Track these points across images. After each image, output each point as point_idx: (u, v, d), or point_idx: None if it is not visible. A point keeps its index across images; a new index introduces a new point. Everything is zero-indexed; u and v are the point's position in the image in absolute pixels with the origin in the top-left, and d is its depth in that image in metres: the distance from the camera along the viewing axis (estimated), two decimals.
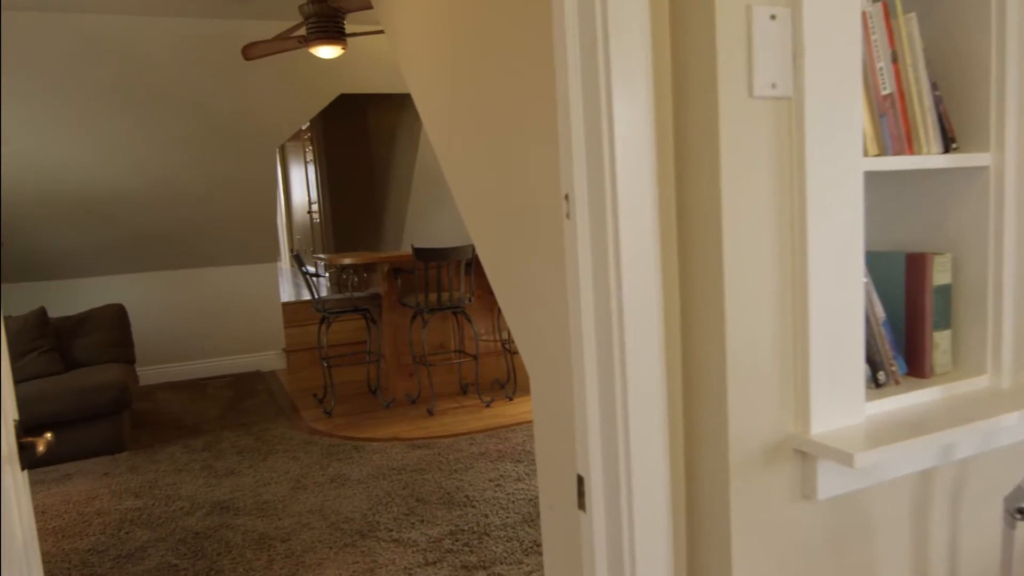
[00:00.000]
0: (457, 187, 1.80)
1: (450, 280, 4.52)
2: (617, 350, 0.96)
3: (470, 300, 4.66)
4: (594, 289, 0.97)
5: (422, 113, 2.00)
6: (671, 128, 0.96)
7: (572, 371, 1.08)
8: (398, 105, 6.23)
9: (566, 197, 0.97)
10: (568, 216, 0.97)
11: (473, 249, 4.51)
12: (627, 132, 0.89)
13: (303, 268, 4.69)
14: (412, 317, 4.72)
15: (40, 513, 3.32)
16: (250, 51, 3.73)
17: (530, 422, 4.26)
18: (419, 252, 4.39)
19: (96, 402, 4.01)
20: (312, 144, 8.41)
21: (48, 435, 1.71)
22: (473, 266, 4.63)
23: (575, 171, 0.94)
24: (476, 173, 1.69)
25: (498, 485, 3.34)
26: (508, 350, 5.01)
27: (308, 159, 8.72)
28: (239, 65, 4.67)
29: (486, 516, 3.01)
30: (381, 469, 3.61)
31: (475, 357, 4.79)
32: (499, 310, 5.00)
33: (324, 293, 6.67)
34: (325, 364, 4.73)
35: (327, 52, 3.60)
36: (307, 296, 6.95)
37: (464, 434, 4.12)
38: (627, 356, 0.95)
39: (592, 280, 0.97)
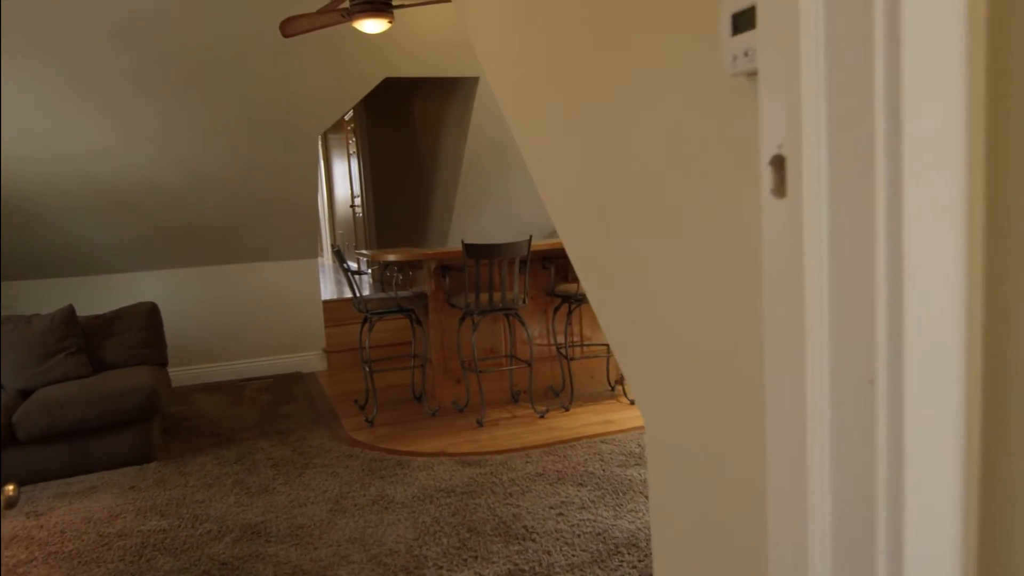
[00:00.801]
0: (545, 161, 1.40)
1: (503, 279, 4.14)
2: (884, 405, 0.55)
3: (524, 301, 4.27)
4: (832, 301, 0.57)
5: (497, 80, 1.61)
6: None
7: (764, 429, 0.68)
8: (446, 91, 5.87)
9: (775, 162, 0.58)
10: (780, 192, 0.58)
11: (528, 245, 4.12)
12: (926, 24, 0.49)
13: (344, 265, 4.35)
14: (460, 319, 4.35)
15: (59, 533, 3.03)
16: (288, 27, 3.39)
17: (591, 437, 3.86)
18: (470, 248, 4.02)
19: (124, 408, 3.72)
20: (355, 135, 8.10)
21: (10, 488, 1.38)
22: (528, 264, 4.23)
23: (805, 114, 0.54)
24: (579, 140, 1.30)
25: (560, 514, 2.94)
26: (564, 355, 4.61)
27: (351, 151, 8.43)
28: (278, 46, 4.35)
29: (549, 553, 2.62)
30: (428, 490, 3.25)
31: (529, 364, 4.40)
32: (555, 311, 4.60)
33: (366, 292, 6.35)
34: (367, 369, 4.39)
35: (372, 26, 3.24)
36: (349, 294, 6.64)
37: (518, 450, 3.73)
38: (905, 425, 0.55)
39: (829, 288, 0.57)
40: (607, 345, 4.81)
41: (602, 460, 3.50)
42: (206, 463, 3.77)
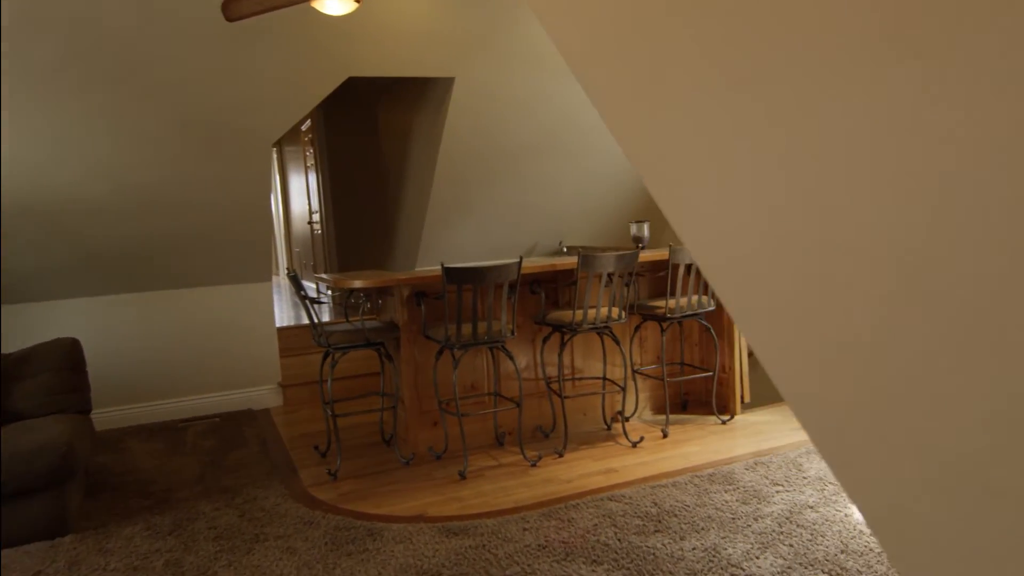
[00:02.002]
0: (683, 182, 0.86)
1: (489, 308, 3.57)
2: None
3: (512, 333, 3.71)
4: None
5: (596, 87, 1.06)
6: None
7: None
8: (415, 94, 5.31)
9: None
10: None
11: (519, 268, 3.56)
12: None
13: (302, 292, 3.74)
14: (438, 353, 3.77)
15: None
16: (232, 8, 2.80)
17: (595, 493, 3.30)
18: (451, 273, 3.45)
19: (33, 471, 3.05)
20: (313, 146, 7.48)
21: None
22: (517, 290, 3.68)
23: None
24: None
25: None
26: (555, 392, 4.05)
27: (309, 163, 7.79)
28: (223, 35, 3.74)
29: None
30: (407, 571, 2.65)
31: (518, 403, 3.83)
32: (544, 342, 4.05)
33: (328, 321, 5.71)
34: (329, 412, 3.77)
35: (336, 6, 2.67)
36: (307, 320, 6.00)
37: (511, 511, 3.16)
38: None
39: None
40: (604, 379, 4.27)
41: (615, 525, 2.95)
42: (134, 536, 3.10)
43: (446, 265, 3.47)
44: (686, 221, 0.96)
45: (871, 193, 0.77)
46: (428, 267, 5.43)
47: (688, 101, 0.91)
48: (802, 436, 3.92)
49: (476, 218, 5.49)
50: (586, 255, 3.70)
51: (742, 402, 4.45)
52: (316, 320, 3.76)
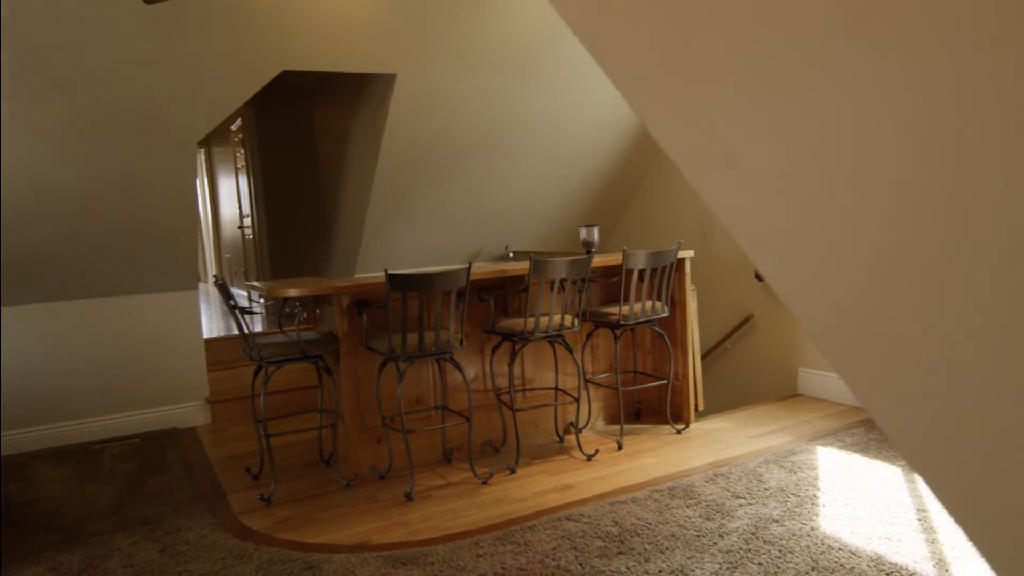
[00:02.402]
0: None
1: (436, 317, 3.34)
2: None
3: (461, 343, 3.49)
4: None
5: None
6: None
7: None
8: (354, 92, 5.04)
9: None
10: None
11: (468, 274, 3.35)
12: None
13: (231, 302, 3.44)
14: (381, 365, 3.52)
15: None
16: None
17: (552, 512, 3.11)
18: (395, 280, 3.21)
19: None
20: (244, 147, 7.09)
21: None
22: (466, 297, 3.46)
23: None
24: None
25: None
26: (504, 403, 3.85)
27: (239, 165, 7.40)
28: (141, 20, 3.42)
29: None
30: None
31: (467, 418, 3.61)
32: (493, 351, 3.84)
33: (260, 332, 5.40)
34: (262, 431, 3.47)
35: None
36: (238, 331, 5.65)
37: (463, 535, 2.93)
38: None
39: None
40: (556, 389, 4.09)
41: (575, 548, 2.75)
42: None
43: (389, 271, 3.22)
44: (747, 228, 0.77)
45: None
46: (368, 274, 5.16)
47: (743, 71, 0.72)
48: (759, 445, 3.82)
49: (418, 222, 5.25)
50: (538, 260, 3.51)
51: (696, 410, 4.33)
52: (247, 331, 3.46)
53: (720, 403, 5.08)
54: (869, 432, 3.91)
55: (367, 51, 4.12)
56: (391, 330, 3.33)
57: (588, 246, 4.63)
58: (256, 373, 3.60)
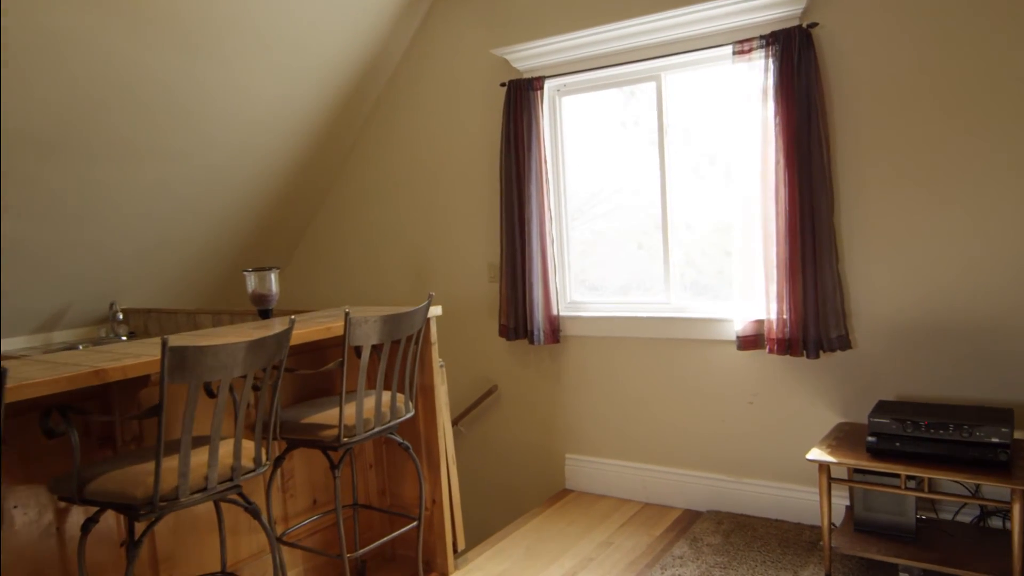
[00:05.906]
0: None
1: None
2: None
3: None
4: None
5: None
6: None
7: None
8: None
9: None
10: None
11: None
12: None
13: None
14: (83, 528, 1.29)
15: None
16: None
17: None
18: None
19: None
20: None
21: None
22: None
23: None
24: None
25: None
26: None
27: None
28: None
29: None
30: None
31: None
32: (84, 529, 1.81)
33: None
34: None
35: None
36: None
37: None
38: None
39: None
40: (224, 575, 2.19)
41: None
42: None
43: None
44: None
45: None
46: None
47: None
48: None
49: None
50: (182, 347, 1.65)
51: (455, 552, 2.78)
52: None
53: (472, 512, 3.59)
54: (696, 549, 2.76)
55: None
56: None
57: (261, 303, 2.80)
58: None
